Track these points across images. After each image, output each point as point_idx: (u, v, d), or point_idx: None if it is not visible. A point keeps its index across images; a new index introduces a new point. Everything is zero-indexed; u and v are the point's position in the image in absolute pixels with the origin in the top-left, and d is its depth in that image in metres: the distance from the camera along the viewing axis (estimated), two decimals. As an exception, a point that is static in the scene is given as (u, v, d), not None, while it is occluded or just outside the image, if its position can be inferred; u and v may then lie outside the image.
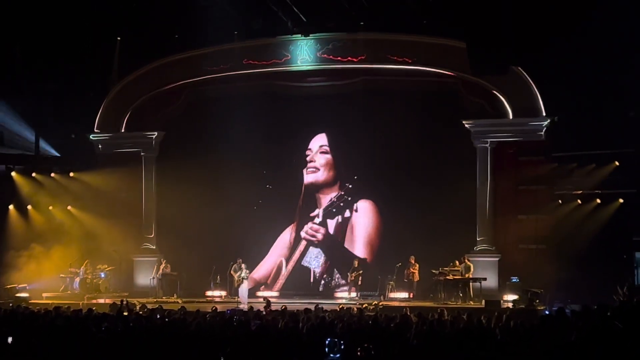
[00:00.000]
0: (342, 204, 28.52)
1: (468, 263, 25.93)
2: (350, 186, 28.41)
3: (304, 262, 29.02)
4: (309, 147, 29.39)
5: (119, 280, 29.44)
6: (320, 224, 28.91)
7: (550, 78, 25.61)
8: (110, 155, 30.18)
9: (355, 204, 28.50)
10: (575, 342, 10.24)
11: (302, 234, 29.03)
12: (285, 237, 29.61)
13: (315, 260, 29.00)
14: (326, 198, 29.13)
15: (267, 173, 29.79)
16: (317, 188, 29.35)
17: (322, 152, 29.21)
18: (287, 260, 29.22)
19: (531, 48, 22.71)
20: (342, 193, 28.44)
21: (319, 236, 28.88)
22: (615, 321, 10.57)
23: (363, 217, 28.80)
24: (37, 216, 30.35)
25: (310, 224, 29.03)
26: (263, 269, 29.35)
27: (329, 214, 28.80)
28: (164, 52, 29.54)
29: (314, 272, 28.92)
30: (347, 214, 28.60)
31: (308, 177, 29.28)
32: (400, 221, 27.83)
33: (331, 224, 28.97)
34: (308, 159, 29.31)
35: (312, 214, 29.01)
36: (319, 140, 29.35)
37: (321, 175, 29.20)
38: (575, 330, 11.42)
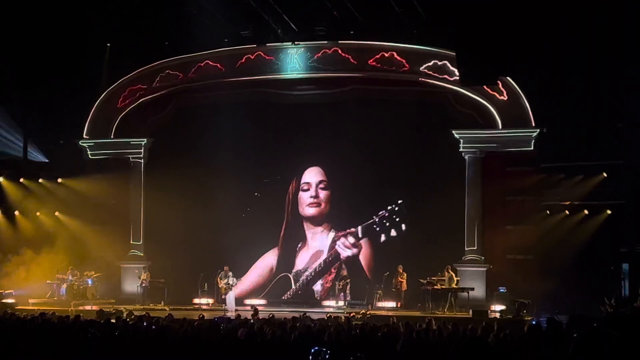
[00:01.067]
0: (387, 224, 27.71)
1: (451, 273, 25.92)
2: (396, 208, 27.54)
3: (315, 286, 28.87)
4: (306, 179, 29.28)
5: (106, 287, 29.34)
6: (358, 240, 28.33)
7: (539, 89, 25.70)
8: (99, 161, 30.12)
9: (402, 225, 27.65)
10: (570, 353, 10.25)
11: (337, 247, 28.44)
12: (268, 260, 29.48)
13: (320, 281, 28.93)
14: (316, 229, 29.14)
15: (255, 181, 29.76)
16: (309, 218, 29.31)
17: (322, 188, 29.13)
18: (297, 279, 29.00)
19: (521, 59, 22.78)
20: (387, 214, 27.60)
21: (355, 251, 28.31)
22: (611, 329, 10.56)
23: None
24: (24, 222, 30.26)
25: (345, 240, 28.43)
26: (243, 284, 29.07)
27: (370, 231, 28.06)
28: (153, 59, 29.51)
29: (316, 292, 28.82)
30: (392, 233, 27.67)
31: (309, 210, 29.20)
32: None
33: (369, 242, 28.40)
34: (310, 194, 29.14)
35: (349, 230, 28.41)
36: (317, 175, 29.28)
37: (324, 209, 29.17)
38: (566, 340, 11.42)
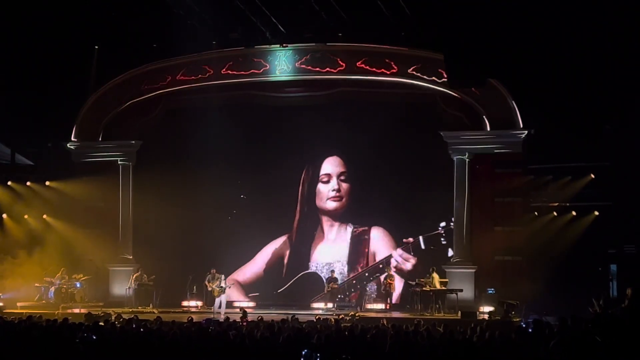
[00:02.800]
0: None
1: (434, 274, 25.91)
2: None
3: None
4: (326, 170, 29.14)
5: (95, 290, 29.24)
6: (417, 252, 27.58)
7: (527, 91, 25.76)
8: (87, 164, 29.96)
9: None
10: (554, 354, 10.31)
11: (396, 260, 27.62)
12: (277, 250, 29.42)
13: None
14: (332, 222, 29.03)
15: (242, 183, 29.77)
16: (328, 212, 29.18)
17: (342, 180, 28.98)
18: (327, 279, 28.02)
19: (508, 61, 22.85)
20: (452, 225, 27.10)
21: (409, 266, 27.56)
22: (595, 336, 10.62)
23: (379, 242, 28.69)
24: (12, 225, 30.09)
25: (401, 251, 27.74)
26: (247, 273, 29.19)
27: (434, 242, 27.34)
28: (141, 61, 29.45)
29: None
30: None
31: (331, 204, 29.01)
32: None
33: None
34: (332, 186, 28.93)
35: (405, 240, 27.70)
36: (337, 166, 29.14)
37: (345, 203, 28.97)
38: (553, 342, 11.47)
